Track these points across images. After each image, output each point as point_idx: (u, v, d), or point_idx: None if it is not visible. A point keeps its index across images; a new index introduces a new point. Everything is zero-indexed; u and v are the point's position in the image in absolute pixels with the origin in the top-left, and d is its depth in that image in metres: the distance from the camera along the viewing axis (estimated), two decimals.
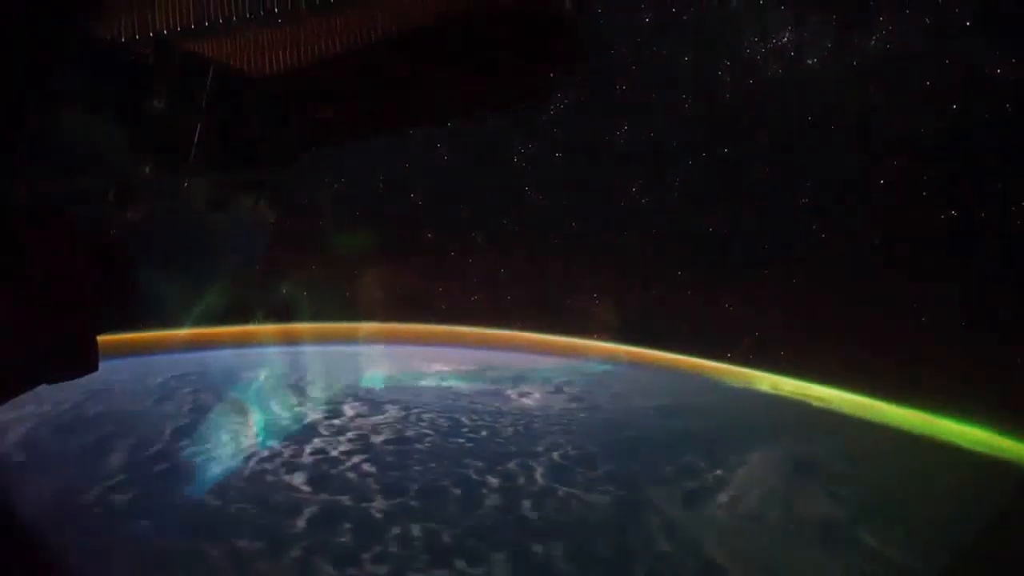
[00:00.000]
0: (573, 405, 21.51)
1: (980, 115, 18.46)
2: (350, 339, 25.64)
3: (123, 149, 3.21)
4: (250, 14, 3.19)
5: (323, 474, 14.75)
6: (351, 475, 14.76)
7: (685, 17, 20.52)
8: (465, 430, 18.37)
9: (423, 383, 23.19)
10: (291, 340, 23.60)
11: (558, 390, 22.65)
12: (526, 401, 21.88)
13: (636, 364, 27.11)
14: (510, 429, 18.67)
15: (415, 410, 19.71)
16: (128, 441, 16.67)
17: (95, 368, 2.91)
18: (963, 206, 19.66)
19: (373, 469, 14.98)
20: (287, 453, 15.76)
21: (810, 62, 20.46)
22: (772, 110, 21.42)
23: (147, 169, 3.22)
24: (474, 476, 14.95)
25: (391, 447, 16.64)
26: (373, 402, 20.46)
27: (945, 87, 18.74)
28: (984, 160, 18.81)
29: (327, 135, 3.75)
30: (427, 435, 17.74)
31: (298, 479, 14.32)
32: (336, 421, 18.46)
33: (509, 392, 22.56)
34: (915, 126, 19.57)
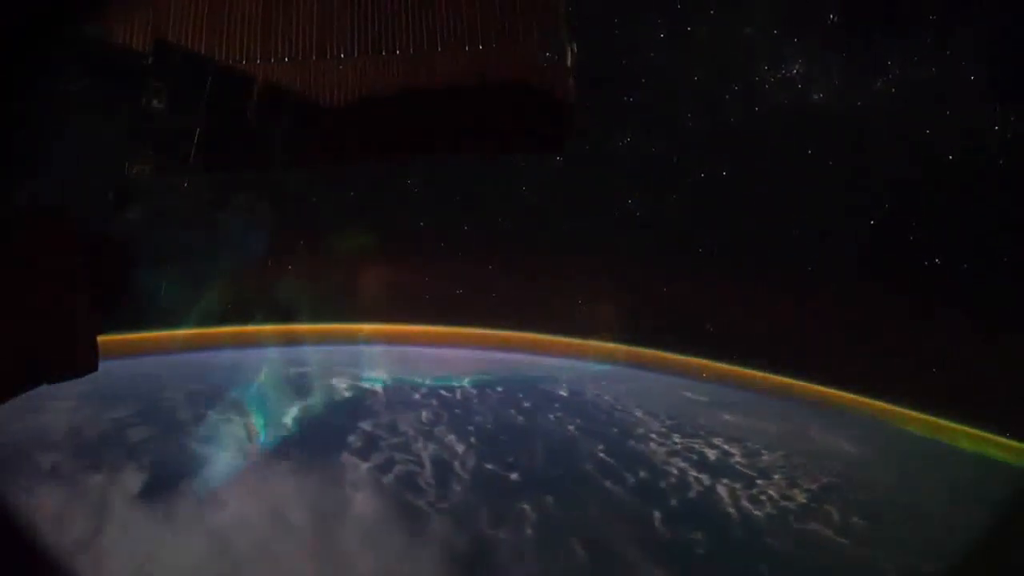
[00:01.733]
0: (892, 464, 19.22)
1: (975, 168, 19.15)
2: (350, 339, 25.68)
3: (123, 149, 3.22)
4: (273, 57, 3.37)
5: (844, 526, 13.66)
6: (858, 529, 13.69)
7: (699, 37, 20.83)
8: (849, 476, 17.09)
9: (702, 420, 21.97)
10: (292, 340, 23.61)
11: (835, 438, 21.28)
12: (846, 447, 20.16)
13: (634, 365, 27.16)
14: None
15: (764, 455, 17.98)
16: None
17: (95, 368, 2.90)
18: (948, 255, 20.31)
19: (866, 523, 14.09)
20: (766, 501, 14.73)
21: (816, 97, 20.93)
22: (774, 139, 21.86)
23: (147, 169, 3.23)
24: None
25: (835, 496, 15.36)
26: (716, 434, 18.99)
27: (944, 137, 19.41)
28: (974, 213, 19.50)
29: (331, 158, 3.89)
30: (834, 484, 16.29)
31: (824, 531, 13.37)
32: (737, 460, 17.16)
33: (811, 433, 20.93)
34: (911, 172, 20.28)
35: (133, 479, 12.56)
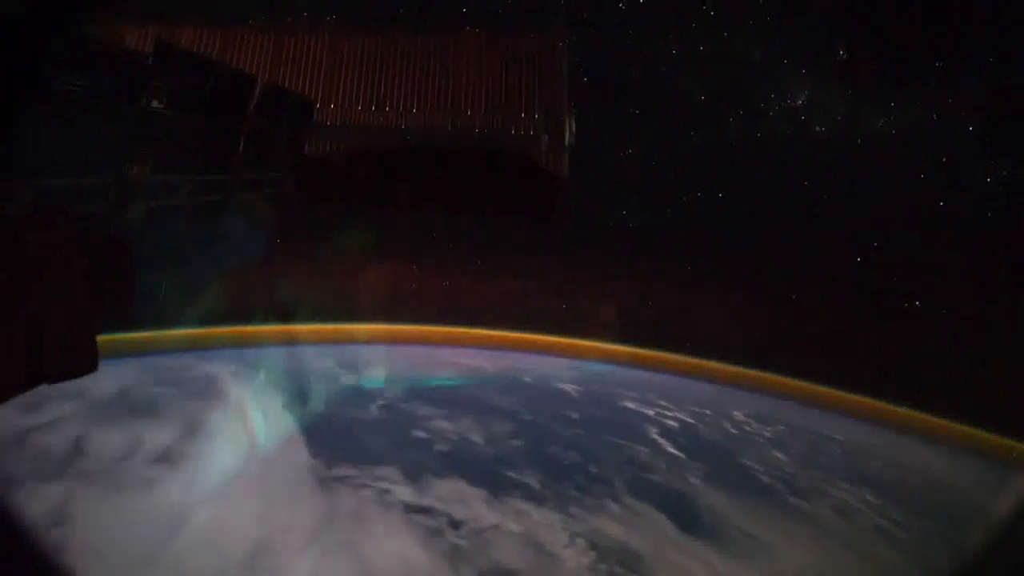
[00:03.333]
0: None
1: (966, 214, 19.57)
2: (350, 340, 25.65)
3: (123, 149, 3.21)
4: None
5: None
6: None
7: (710, 58, 21.08)
8: None
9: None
10: (292, 340, 23.55)
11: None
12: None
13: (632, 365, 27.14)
14: None
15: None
16: None
17: (95, 368, 2.89)
18: (930, 297, 20.63)
19: None
20: None
21: (818, 129, 21.24)
22: (773, 166, 22.11)
23: (147, 169, 3.22)
24: None
25: None
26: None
27: (939, 181, 19.84)
28: (958, 259, 19.77)
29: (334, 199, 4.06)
30: None
31: None
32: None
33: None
34: (903, 212, 20.59)
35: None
